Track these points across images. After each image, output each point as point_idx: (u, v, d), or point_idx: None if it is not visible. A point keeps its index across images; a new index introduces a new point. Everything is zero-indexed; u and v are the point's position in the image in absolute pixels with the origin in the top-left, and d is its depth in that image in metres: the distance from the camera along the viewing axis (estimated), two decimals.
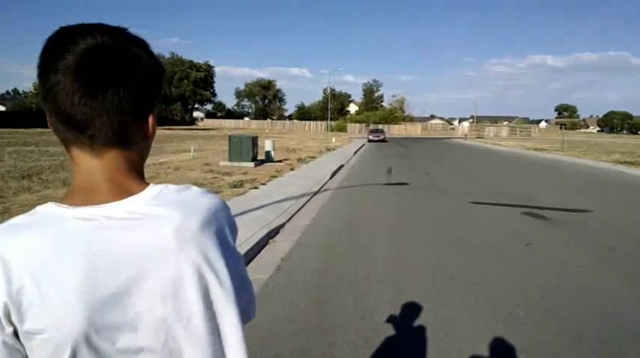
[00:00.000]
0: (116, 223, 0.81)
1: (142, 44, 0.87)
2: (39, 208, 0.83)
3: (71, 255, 0.78)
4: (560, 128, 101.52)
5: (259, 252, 6.41)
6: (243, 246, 6.19)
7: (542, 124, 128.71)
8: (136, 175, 0.88)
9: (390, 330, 3.97)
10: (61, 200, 0.84)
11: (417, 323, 4.14)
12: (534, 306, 4.55)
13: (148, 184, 0.88)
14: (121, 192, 0.84)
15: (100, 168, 0.84)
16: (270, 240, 7.03)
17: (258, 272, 5.49)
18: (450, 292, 4.91)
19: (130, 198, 0.83)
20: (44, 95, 0.82)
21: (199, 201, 0.88)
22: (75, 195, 0.84)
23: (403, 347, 3.73)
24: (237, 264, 0.93)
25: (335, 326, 4.04)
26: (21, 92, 76.92)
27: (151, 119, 0.89)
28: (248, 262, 5.88)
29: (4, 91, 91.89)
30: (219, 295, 0.87)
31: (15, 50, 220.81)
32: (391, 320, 4.17)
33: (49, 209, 0.82)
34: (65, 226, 0.79)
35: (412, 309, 4.41)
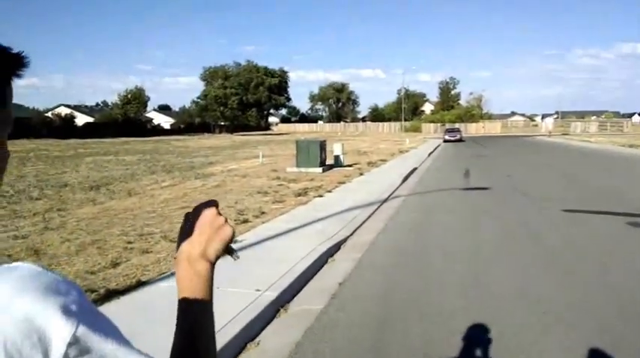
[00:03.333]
0: None
1: None
2: None
3: None
4: None
5: (316, 273, 5.67)
6: (298, 266, 5.51)
7: (635, 118, 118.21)
8: None
9: None
10: None
11: None
12: None
13: None
14: None
15: None
16: (330, 259, 6.28)
17: (310, 301, 4.76)
18: (539, 330, 3.90)
19: None
20: None
21: None
22: None
23: None
24: None
25: None
26: (109, 104, 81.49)
27: None
28: (301, 287, 5.17)
29: (94, 103, 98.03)
30: None
31: (108, 64, 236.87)
32: None
33: None
34: None
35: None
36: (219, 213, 0.78)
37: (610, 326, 4.02)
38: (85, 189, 11.72)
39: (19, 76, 0.65)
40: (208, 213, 0.77)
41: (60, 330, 0.53)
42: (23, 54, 0.64)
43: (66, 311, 0.55)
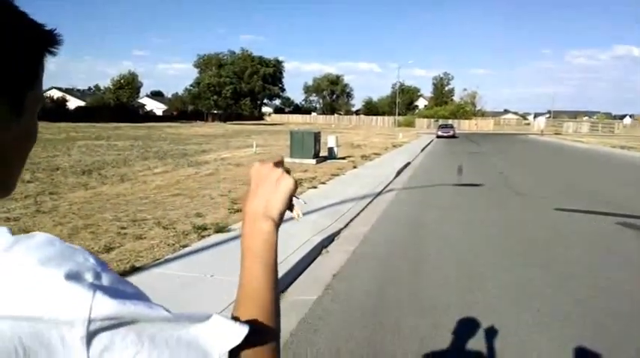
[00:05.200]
0: None
1: None
2: None
3: None
4: None
5: (309, 264, 5.68)
6: (292, 256, 5.50)
7: (627, 120, 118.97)
8: None
9: None
10: None
11: None
12: None
13: None
14: None
15: None
16: (324, 250, 6.29)
17: (304, 292, 4.76)
18: (536, 332, 3.94)
19: None
20: None
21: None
22: None
23: None
24: None
25: None
26: (102, 88, 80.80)
27: None
28: (296, 277, 5.17)
29: (86, 87, 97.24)
30: None
31: (103, 49, 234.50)
32: None
33: None
34: None
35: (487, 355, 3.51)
36: (278, 166, 0.74)
37: (604, 325, 4.06)
38: (77, 173, 11.62)
39: (52, 54, 0.63)
40: (262, 168, 0.74)
41: (80, 298, 0.50)
42: (56, 31, 0.62)
43: (83, 279, 0.52)
